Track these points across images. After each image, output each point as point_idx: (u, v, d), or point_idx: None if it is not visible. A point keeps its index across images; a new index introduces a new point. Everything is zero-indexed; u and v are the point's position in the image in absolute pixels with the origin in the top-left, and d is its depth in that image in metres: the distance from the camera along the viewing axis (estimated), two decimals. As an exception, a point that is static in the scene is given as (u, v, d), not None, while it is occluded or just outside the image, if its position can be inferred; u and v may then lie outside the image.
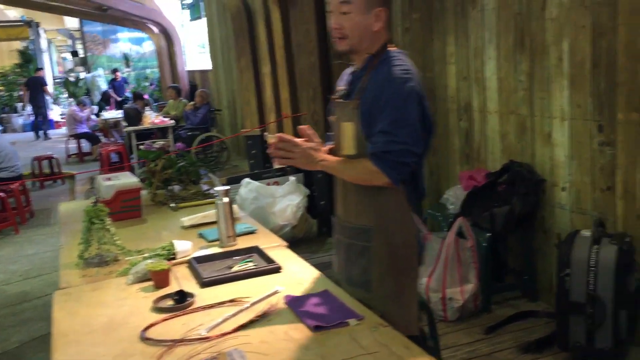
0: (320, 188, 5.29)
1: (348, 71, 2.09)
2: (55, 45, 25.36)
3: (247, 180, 5.07)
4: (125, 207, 3.17)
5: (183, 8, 14.48)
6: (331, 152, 2.07)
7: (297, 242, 4.78)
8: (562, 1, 3.15)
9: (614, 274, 2.68)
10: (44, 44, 19.36)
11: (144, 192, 3.60)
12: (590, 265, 2.72)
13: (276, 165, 2.10)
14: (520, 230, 3.58)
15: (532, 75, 3.45)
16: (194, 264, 2.30)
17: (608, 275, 2.68)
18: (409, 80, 1.82)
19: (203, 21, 13.09)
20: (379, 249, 1.95)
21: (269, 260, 2.29)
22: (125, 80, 16.25)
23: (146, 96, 13.12)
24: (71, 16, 16.11)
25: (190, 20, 14.08)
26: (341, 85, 2.06)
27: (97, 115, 12.19)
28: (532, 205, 3.45)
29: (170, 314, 1.91)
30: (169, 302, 1.99)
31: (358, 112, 1.89)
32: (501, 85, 3.72)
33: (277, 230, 4.89)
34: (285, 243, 2.61)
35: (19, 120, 17.58)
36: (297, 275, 2.18)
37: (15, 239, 6.39)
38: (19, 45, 20.30)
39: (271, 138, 2.08)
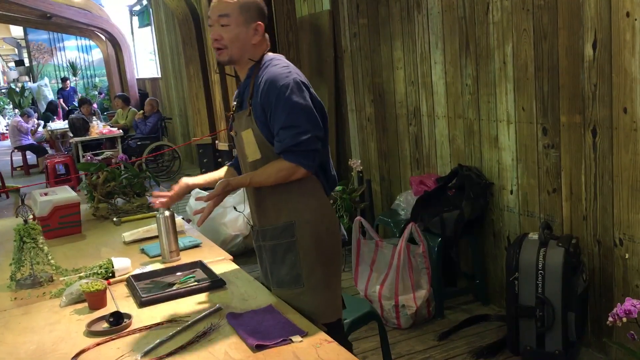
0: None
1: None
2: (1, 54, 24.55)
3: (196, 190, 4.94)
4: (63, 223, 3.04)
5: (132, 15, 14.20)
6: (236, 166, 2.25)
7: (249, 252, 4.68)
8: (505, 5, 3.17)
9: (562, 276, 2.69)
10: (-14, 53, 18.69)
11: (85, 207, 3.46)
12: (539, 269, 2.73)
13: (200, 225, 2.17)
14: (471, 234, 3.58)
15: (478, 79, 3.46)
16: (133, 282, 2.19)
17: (556, 277, 2.69)
18: (289, 74, 1.91)
19: (150, 29, 12.87)
20: (305, 240, 1.99)
21: (213, 275, 2.21)
22: (74, 90, 15.84)
23: (95, 105, 12.80)
24: (14, 24, 15.56)
25: (139, 27, 13.80)
26: (234, 100, 2.14)
27: (44, 126, 11.79)
28: (481, 208, 3.45)
29: (104, 337, 1.80)
30: (104, 325, 1.88)
31: (252, 118, 1.95)
32: (448, 89, 3.72)
33: (229, 241, 4.78)
34: (230, 256, 2.53)
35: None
36: (241, 290, 2.11)
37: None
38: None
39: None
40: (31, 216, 2.43)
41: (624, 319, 1.86)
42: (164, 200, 2.21)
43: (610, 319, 1.90)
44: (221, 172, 2.30)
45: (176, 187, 2.21)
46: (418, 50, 3.93)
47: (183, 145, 9.31)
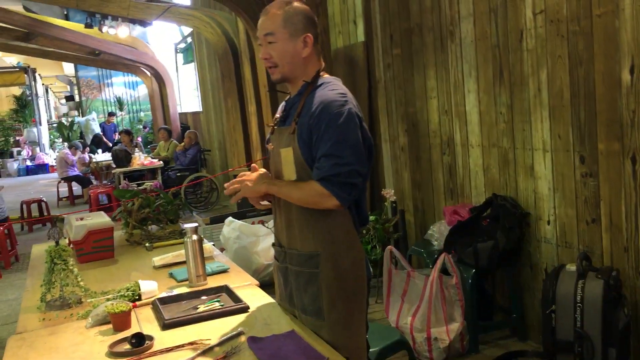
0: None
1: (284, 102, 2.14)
2: (53, 91, 25.59)
3: (230, 219, 4.98)
4: (96, 248, 3.08)
5: (177, 52, 14.66)
6: None
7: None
8: (539, 32, 3.13)
9: (601, 309, 2.57)
10: (40, 89, 19.52)
11: (120, 232, 3.51)
12: (577, 301, 2.61)
13: (232, 201, 2.09)
14: (506, 265, 3.47)
15: (512, 107, 3.40)
16: (158, 305, 2.19)
17: (595, 311, 2.57)
18: (346, 103, 1.84)
19: (193, 65, 13.24)
20: (328, 274, 1.91)
21: (237, 299, 2.20)
22: (115, 127, 16.38)
23: (139, 138, 13.16)
24: (65, 61, 16.27)
25: (184, 63, 14.22)
26: (278, 113, 2.09)
27: (90, 158, 12.18)
28: (516, 239, 3.35)
29: (126, 358, 1.80)
30: (126, 346, 1.88)
31: (295, 137, 1.88)
32: (482, 118, 3.67)
33: (261, 270, 4.77)
34: (256, 282, 2.51)
35: (14, 165, 17.60)
36: (264, 315, 2.08)
37: (-3, 284, 6.25)
38: (16, 90, 20.50)
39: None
40: (66, 240, 2.47)
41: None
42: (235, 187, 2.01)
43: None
44: None
45: (253, 175, 1.98)
46: (451, 79, 3.91)
47: (220, 175, 9.43)
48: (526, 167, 3.36)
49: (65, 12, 16.06)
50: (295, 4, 1.92)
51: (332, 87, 1.90)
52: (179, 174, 8.86)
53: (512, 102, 3.39)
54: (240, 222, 4.90)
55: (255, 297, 2.27)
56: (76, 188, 11.32)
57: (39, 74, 19.50)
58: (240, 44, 6.50)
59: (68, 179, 10.98)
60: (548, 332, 2.70)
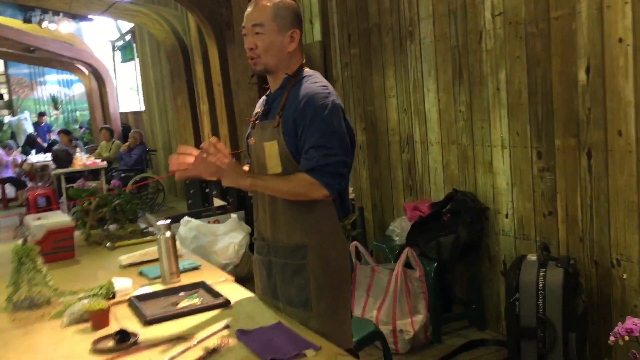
0: (262, 225, 5.18)
1: (264, 96, 2.14)
2: (-22, 89, 24.33)
3: (186, 218, 4.90)
4: (57, 248, 2.98)
5: (115, 50, 14.24)
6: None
7: (240, 281, 4.61)
8: (498, 33, 3.27)
9: (562, 296, 2.71)
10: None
11: (77, 233, 3.40)
12: (539, 289, 2.74)
13: (178, 177, 1.98)
14: (467, 258, 3.59)
15: (472, 106, 3.53)
16: (136, 302, 2.15)
17: (556, 297, 2.71)
18: (329, 95, 1.88)
19: (134, 63, 12.92)
20: (315, 265, 1.94)
21: (217, 294, 2.18)
22: (48, 127, 15.77)
23: (77, 140, 12.73)
24: (-4, 58, 15.54)
25: (122, 62, 13.84)
26: (257, 107, 2.10)
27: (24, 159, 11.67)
28: (477, 233, 3.48)
29: (112, 355, 1.76)
30: (110, 343, 1.84)
31: (280, 130, 1.90)
32: (441, 116, 3.79)
33: (221, 270, 4.72)
34: (231, 277, 2.51)
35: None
36: (247, 309, 2.08)
37: None
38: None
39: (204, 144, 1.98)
40: (31, 237, 2.39)
41: (626, 337, 1.87)
42: (185, 164, 1.89)
43: (612, 337, 1.91)
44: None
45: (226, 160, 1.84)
46: (411, 78, 4.01)
47: (167, 176, 9.25)
48: (485, 163, 3.49)
49: (-5, 7, 15.31)
50: None
51: (314, 80, 1.94)
52: (123, 175, 8.63)
53: (472, 100, 3.52)
54: (197, 221, 4.84)
55: (234, 292, 2.27)
56: (8, 190, 10.83)
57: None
58: (191, 42, 6.42)
59: (1, 181, 10.49)
60: (512, 319, 2.83)
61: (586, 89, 2.79)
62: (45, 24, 7.99)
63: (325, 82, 1.95)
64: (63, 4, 6.84)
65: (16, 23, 10.79)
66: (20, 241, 2.40)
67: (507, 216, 3.39)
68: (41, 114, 16.03)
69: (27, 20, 8.67)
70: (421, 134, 3.99)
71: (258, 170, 2.02)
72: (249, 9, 1.94)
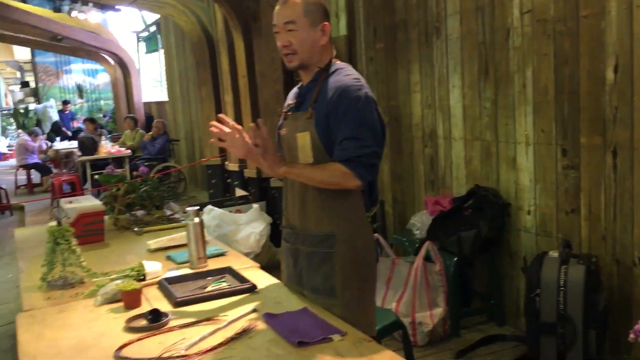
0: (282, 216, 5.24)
1: (295, 89, 2.18)
2: (3, 77, 24.73)
3: (209, 207, 4.99)
4: (87, 231, 3.07)
5: (139, 41, 14.40)
6: None
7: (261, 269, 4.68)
8: (526, 31, 3.28)
9: (583, 293, 2.73)
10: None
11: (105, 217, 3.49)
12: (560, 285, 2.77)
13: (238, 156, 2.03)
14: (487, 254, 3.62)
15: (497, 102, 3.55)
16: (166, 285, 2.22)
17: (577, 294, 2.73)
18: (362, 87, 1.93)
19: (158, 54, 13.05)
20: (342, 254, 1.98)
21: (243, 279, 2.24)
22: (72, 115, 16.00)
23: (102, 128, 12.92)
24: (25, 46, 15.76)
25: (146, 52, 13.99)
26: (290, 100, 2.13)
27: (50, 146, 11.88)
28: (498, 228, 3.50)
29: (145, 333, 1.83)
30: (143, 322, 1.91)
31: (313, 122, 1.95)
32: (466, 112, 3.81)
33: (241, 259, 4.80)
34: (257, 264, 2.56)
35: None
36: (273, 294, 2.13)
37: (-41, 271, 6.07)
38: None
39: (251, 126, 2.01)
40: (67, 219, 2.47)
41: (646, 335, 1.89)
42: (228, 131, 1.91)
43: (631, 335, 1.93)
44: None
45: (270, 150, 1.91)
46: (436, 74, 4.03)
47: (190, 166, 9.36)
48: (508, 159, 3.51)
49: (23, -5, 15.53)
50: None
51: (347, 73, 1.98)
52: (146, 164, 8.74)
53: (497, 97, 3.54)
54: (220, 210, 4.92)
55: (260, 277, 2.32)
56: (34, 176, 11.03)
57: (-10, 59, 18.88)
58: (217, 33, 6.49)
59: (27, 167, 10.69)
60: (532, 314, 2.85)
61: (613, 87, 2.80)
62: (74, 13, 8.13)
63: (357, 74, 2.00)
64: (93, -7, 6.95)
65: (45, 12, 10.96)
66: (54, 222, 2.48)
67: (529, 213, 3.41)
68: (65, 102, 16.28)
69: (57, 10, 8.83)
70: (444, 129, 4.01)
71: (288, 159, 2.05)
72: (278, 7, 1.99)
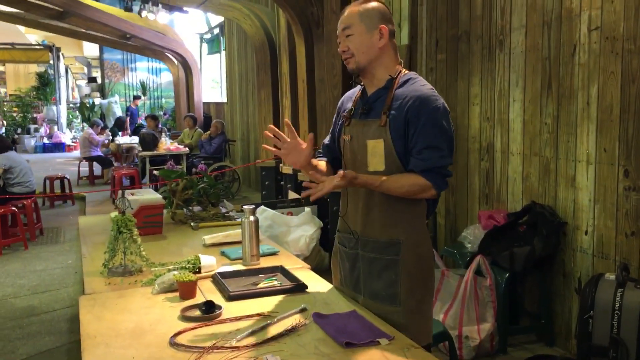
0: (334, 221, 5.29)
1: (350, 93, 2.20)
2: (72, 72, 25.81)
3: (262, 207, 5.08)
4: (147, 223, 3.18)
5: (202, 42, 14.79)
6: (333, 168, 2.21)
7: (309, 273, 4.74)
8: (593, 48, 3.22)
9: (639, 318, 2.65)
10: (62, 69, 19.71)
11: (163, 211, 3.62)
12: (615, 309, 2.70)
13: (309, 196, 2.10)
14: (540, 272, 3.55)
15: (558, 119, 3.49)
16: (220, 279, 2.29)
17: (632, 319, 2.65)
18: (439, 98, 1.96)
19: (218, 56, 13.36)
20: (408, 262, 1.99)
21: (294, 279, 2.29)
22: (136, 110, 16.58)
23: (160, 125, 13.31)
24: (95, 43, 16.43)
25: (208, 54, 14.36)
26: (349, 104, 2.15)
27: (112, 140, 12.33)
28: (553, 247, 3.43)
29: (199, 323, 1.90)
30: (197, 313, 1.98)
31: (388, 130, 1.96)
32: (525, 127, 3.76)
33: (290, 260, 4.87)
34: (308, 266, 2.60)
35: (31, 142, 17.78)
36: (323, 295, 2.17)
37: (24, 255, 6.38)
38: (36, 68, 20.68)
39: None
40: (130, 209, 2.58)
41: None
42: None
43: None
44: (320, 162, 2.22)
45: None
46: (497, 87, 4.00)
47: (245, 166, 9.53)
48: (568, 177, 3.44)
49: (96, -6, 16.20)
50: (372, 2, 2.03)
51: (422, 83, 2.00)
52: (203, 162, 8.97)
53: (559, 113, 3.48)
54: (273, 211, 5.00)
55: (310, 278, 2.35)
56: (95, 168, 11.46)
57: (62, 54, 19.71)
58: (279, 38, 6.60)
59: (90, 159, 11.12)
60: (584, 336, 2.79)
61: (683, 109, 2.72)
62: (144, 13, 8.46)
63: (430, 85, 2.02)
64: (163, -5, 7.19)
65: (116, 10, 11.40)
66: (116, 213, 2.60)
67: (586, 233, 3.33)
68: (136, 97, 16.96)
69: (128, 9, 9.20)
70: (502, 143, 3.97)
71: (352, 166, 2.05)
72: (340, 18, 2.06)
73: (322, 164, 2.22)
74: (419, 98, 1.93)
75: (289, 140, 2.09)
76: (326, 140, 2.30)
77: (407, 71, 2.06)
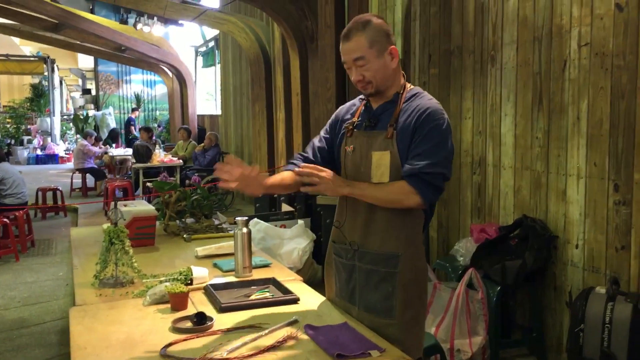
0: (326, 234, 5.29)
1: (347, 106, 2.20)
2: (66, 84, 25.83)
3: (255, 220, 5.08)
4: (139, 234, 3.18)
5: (197, 55, 14.86)
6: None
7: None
8: (583, 63, 3.26)
9: (629, 331, 2.66)
10: (56, 80, 19.73)
11: (156, 223, 3.62)
12: (605, 322, 2.71)
13: (305, 190, 2.12)
14: (531, 285, 3.57)
15: (549, 133, 3.52)
16: (211, 290, 2.29)
17: (623, 332, 2.67)
18: (444, 113, 1.98)
19: (213, 69, 13.42)
20: (405, 275, 1.98)
21: (286, 291, 2.29)
22: (135, 120, 16.63)
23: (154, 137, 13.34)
24: (89, 54, 16.47)
25: (203, 67, 14.42)
26: (347, 116, 2.15)
27: (106, 152, 12.32)
28: (544, 260, 3.45)
29: (190, 334, 1.90)
30: (188, 324, 1.98)
31: (394, 142, 1.97)
32: (517, 141, 3.79)
33: (283, 273, 4.86)
34: (300, 278, 2.61)
35: (24, 153, 17.72)
36: (315, 307, 2.17)
37: (15, 266, 6.34)
38: (31, 80, 20.67)
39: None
40: (123, 220, 2.58)
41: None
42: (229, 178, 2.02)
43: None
44: (284, 174, 2.20)
45: (248, 170, 2.01)
46: (489, 102, 4.04)
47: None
48: (558, 191, 3.47)
49: (91, 7, 16.28)
50: (373, 21, 1.99)
51: (429, 97, 2.02)
52: (197, 174, 8.97)
53: (550, 128, 3.51)
54: (266, 223, 5.00)
55: (302, 290, 2.36)
56: (88, 180, 11.42)
57: (57, 65, 19.73)
58: (274, 52, 6.65)
59: (83, 170, 11.09)
60: (575, 350, 2.80)
61: (671, 124, 2.76)
62: (139, 26, 8.50)
63: (437, 100, 2.04)
64: (158, 8, 7.25)
65: (111, 23, 11.46)
66: (108, 224, 2.60)
67: (577, 247, 3.36)
68: (134, 109, 17.09)
69: (123, 22, 9.26)
70: (494, 157, 4.00)
71: (353, 177, 2.06)
72: (343, 44, 2.01)
73: (286, 176, 2.17)
74: (426, 111, 1.94)
75: (240, 170, 2.01)
76: (316, 142, 2.24)
77: (412, 86, 2.07)
